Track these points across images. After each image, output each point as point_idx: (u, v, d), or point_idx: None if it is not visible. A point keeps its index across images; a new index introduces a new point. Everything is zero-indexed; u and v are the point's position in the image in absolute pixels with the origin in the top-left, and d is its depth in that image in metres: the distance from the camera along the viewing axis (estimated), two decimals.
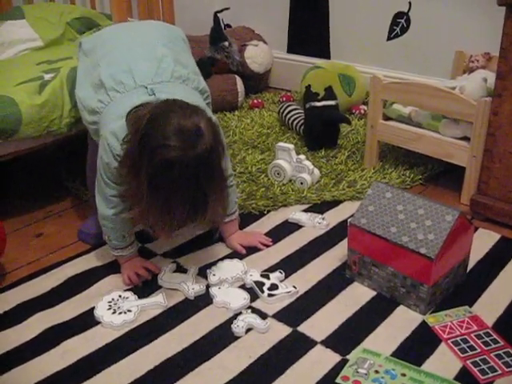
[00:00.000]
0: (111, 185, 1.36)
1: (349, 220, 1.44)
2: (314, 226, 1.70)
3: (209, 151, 1.22)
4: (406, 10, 2.45)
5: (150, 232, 1.39)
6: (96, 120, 1.42)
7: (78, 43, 1.62)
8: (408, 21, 2.46)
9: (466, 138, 1.79)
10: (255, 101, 2.64)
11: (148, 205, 1.22)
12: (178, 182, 1.20)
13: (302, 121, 2.24)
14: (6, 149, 1.65)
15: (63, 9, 2.29)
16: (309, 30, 2.80)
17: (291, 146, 1.94)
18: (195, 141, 1.20)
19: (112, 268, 1.51)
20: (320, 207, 1.81)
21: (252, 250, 1.60)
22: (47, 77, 1.71)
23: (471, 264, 1.49)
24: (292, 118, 2.31)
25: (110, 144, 1.32)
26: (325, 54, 2.78)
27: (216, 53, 2.62)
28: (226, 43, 2.62)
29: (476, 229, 1.64)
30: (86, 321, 1.34)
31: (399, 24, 2.49)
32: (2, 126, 1.56)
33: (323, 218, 1.72)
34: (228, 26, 3.04)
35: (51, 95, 1.66)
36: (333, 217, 1.75)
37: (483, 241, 1.61)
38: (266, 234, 1.66)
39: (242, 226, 1.68)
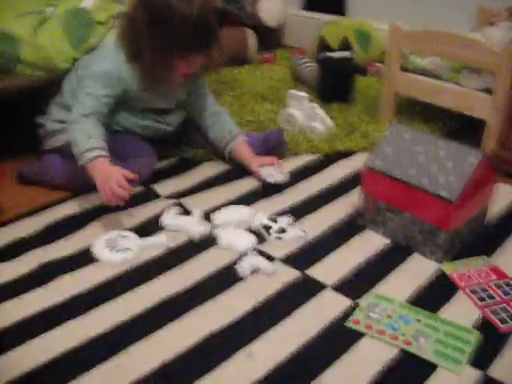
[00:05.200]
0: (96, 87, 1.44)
1: (364, 162, 1.36)
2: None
3: None
4: None
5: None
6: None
7: None
8: None
9: (487, 90, 1.70)
10: (266, 55, 2.55)
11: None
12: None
13: (316, 73, 2.15)
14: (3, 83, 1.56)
15: None
16: None
17: (305, 94, 1.85)
18: None
19: (112, 207, 1.43)
20: (331, 158, 1.73)
21: (259, 196, 1.53)
22: (48, 10, 1.63)
23: (489, 217, 1.42)
24: (306, 69, 2.22)
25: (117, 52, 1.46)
26: (341, 10, 2.68)
27: (227, 5, 2.52)
28: None
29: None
30: (83, 259, 1.28)
31: None
32: None
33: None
34: None
35: (48, 38, 1.57)
36: (345, 166, 1.67)
37: (503, 195, 1.53)
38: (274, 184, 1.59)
39: None
